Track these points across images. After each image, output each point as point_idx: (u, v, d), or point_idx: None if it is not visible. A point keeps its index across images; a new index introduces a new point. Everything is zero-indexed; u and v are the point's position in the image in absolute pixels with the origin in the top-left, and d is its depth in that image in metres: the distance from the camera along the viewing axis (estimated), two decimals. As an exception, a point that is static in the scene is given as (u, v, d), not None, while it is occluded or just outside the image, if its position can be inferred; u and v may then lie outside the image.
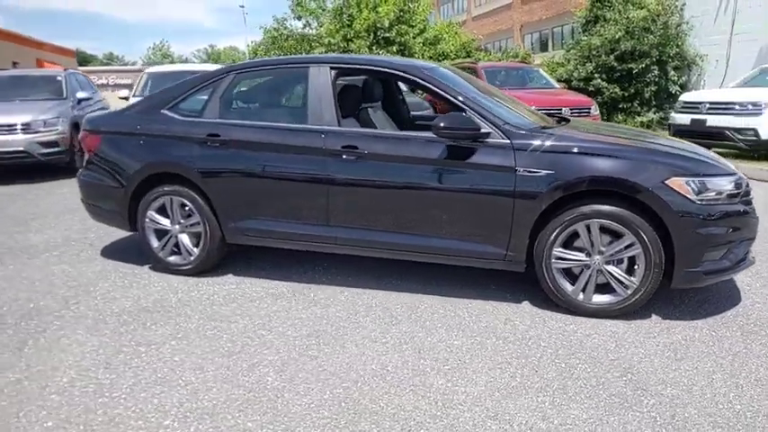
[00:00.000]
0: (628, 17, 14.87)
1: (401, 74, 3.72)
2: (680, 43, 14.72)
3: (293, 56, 4.38)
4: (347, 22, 12.85)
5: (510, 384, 2.62)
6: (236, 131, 3.80)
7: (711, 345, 2.96)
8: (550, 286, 3.30)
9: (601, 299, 3.25)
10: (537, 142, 3.26)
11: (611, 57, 15.16)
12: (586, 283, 3.25)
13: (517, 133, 3.30)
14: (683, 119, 9.41)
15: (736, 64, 13.70)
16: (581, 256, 3.24)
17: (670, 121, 10.16)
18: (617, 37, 15.05)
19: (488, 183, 3.28)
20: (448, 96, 3.49)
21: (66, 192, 7.35)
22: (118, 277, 4.12)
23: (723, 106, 8.64)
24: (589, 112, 9.33)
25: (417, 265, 3.90)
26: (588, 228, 3.17)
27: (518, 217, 3.24)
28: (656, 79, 14.67)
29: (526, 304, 3.50)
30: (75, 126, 8.39)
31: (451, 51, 14.79)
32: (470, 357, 2.86)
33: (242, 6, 76.51)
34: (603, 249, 3.19)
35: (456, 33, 15.68)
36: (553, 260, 3.26)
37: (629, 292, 3.17)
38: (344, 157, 3.53)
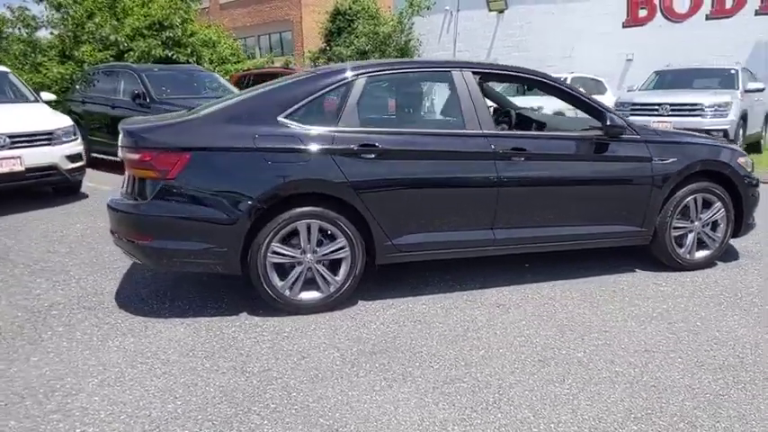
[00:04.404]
0: (375, 32, 16.66)
1: (538, 79, 3.98)
2: (417, 56, 17.22)
3: (424, 59, 4.01)
4: (116, 17, 11.00)
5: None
6: (396, 140, 3.48)
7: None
8: (669, 251, 4.10)
9: (700, 254, 4.21)
10: (656, 137, 4.01)
11: (363, 67, 16.76)
12: (691, 244, 4.17)
13: (641, 130, 3.99)
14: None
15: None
16: (687, 223, 4.13)
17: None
18: (366, 49, 16.72)
19: (634, 172, 3.89)
20: (584, 99, 3.95)
21: None
22: (240, 332, 3.26)
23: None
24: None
25: (502, 259, 4.20)
26: (695, 200, 4.08)
27: (653, 198, 3.95)
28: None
29: (639, 272, 4.21)
30: None
31: (228, 55, 14.07)
32: (704, 315, 3.44)
33: None
34: (703, 216, 4.14)
35: (220, 36, 14.92)
36: (672, 229, 4.07)
37: (717, 245, 4.22)
38: (513, 159, 3.64)
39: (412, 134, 3.58)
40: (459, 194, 3.61)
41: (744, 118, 8.94)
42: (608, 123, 3.74)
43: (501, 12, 15.71)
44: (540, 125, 4.47)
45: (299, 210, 3.33)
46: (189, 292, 3.88)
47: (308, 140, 3.34)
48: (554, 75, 11.78)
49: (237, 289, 3.84)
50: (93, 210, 6.37)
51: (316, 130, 3.38)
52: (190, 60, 11.46)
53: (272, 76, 11.76)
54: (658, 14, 13.30)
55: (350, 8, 18.00)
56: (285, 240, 3.37)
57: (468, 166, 3.59)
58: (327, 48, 18.44)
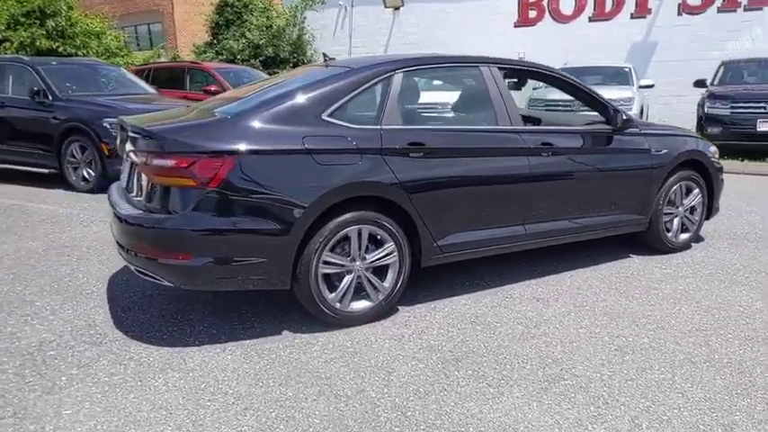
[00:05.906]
0: (269, 25, 16.08)
1: (557, 76, 4.05)
2: (310, 51, 16.92)
3: (454, 55, 3.75)
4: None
5: None
6: (441, 138, 3.37)
7: (752, 248, 4.70)
8: (661, 236, 4.42)
9: (683, 237, 4.58)
10: (650, 129, 4.30)
11: (258, 61, 16.14)
12: (677, 228, 4.52)
13: (637, 123, 4.25)
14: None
15: (359, 71, 16.78)
16: (673, 209, 4.48)
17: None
18: (260, 43, 16.11)
19: (638, 162, 4.13)
20: (593, 94, 4.09)
21: None
22: (298, 352, 2.97)
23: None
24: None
25: (505, 255, 4.15)
26: (680, 187, 4.43)
27: (652, 187, 4.22)
28: (300, 83, 16.48)
29: (635, 257, 4.48)
30: None
31: (115, 48, 12.62)
32: (719, 293, 3.75)
33: None
34: (685, 202, 4.51)
35: (103, 26, 13.37)
36: (663, 216, 4.39)
37: (695, 227, 4.62)
38: (542, 154, 3.69)
39: (455, 131, 3.51)
40: (499, 191, 3.59)
41: (642, 111, 9.93)
42: (624, 117, 3.93)
43: (397, 9, 15.90)
44: (535, 121, 4.58)
45: (350, 215, 3.09)
46: (199, 313, 3.46)
47: (357, 140, 3.11)
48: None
49: (250, 303, 3.52)
50: (10, 227, 5.44)
51: (363, 128, 3.17)
52: (79, 53, 10.19)
53: (177, 70, 10.89)
54: (547, 16, 14.29)
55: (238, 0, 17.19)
56: (332, 249, 3.12)
57: (506, 161, 3.58)
58: (215, 41, 17.47)
